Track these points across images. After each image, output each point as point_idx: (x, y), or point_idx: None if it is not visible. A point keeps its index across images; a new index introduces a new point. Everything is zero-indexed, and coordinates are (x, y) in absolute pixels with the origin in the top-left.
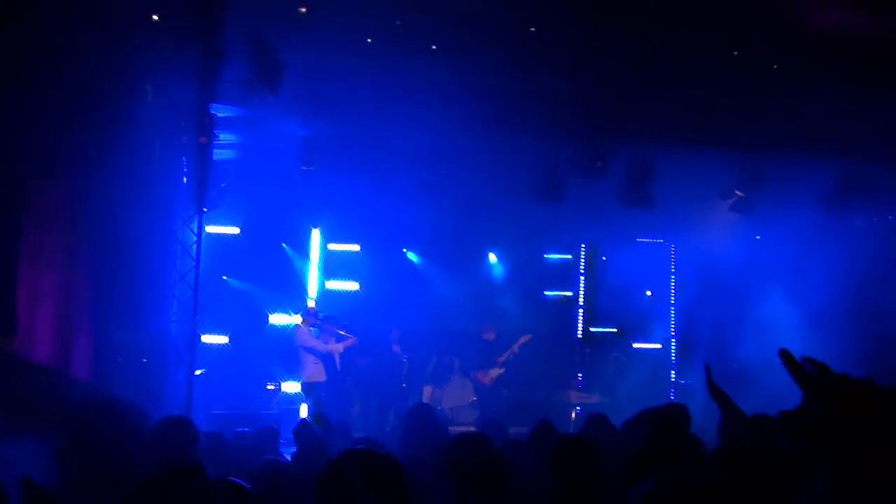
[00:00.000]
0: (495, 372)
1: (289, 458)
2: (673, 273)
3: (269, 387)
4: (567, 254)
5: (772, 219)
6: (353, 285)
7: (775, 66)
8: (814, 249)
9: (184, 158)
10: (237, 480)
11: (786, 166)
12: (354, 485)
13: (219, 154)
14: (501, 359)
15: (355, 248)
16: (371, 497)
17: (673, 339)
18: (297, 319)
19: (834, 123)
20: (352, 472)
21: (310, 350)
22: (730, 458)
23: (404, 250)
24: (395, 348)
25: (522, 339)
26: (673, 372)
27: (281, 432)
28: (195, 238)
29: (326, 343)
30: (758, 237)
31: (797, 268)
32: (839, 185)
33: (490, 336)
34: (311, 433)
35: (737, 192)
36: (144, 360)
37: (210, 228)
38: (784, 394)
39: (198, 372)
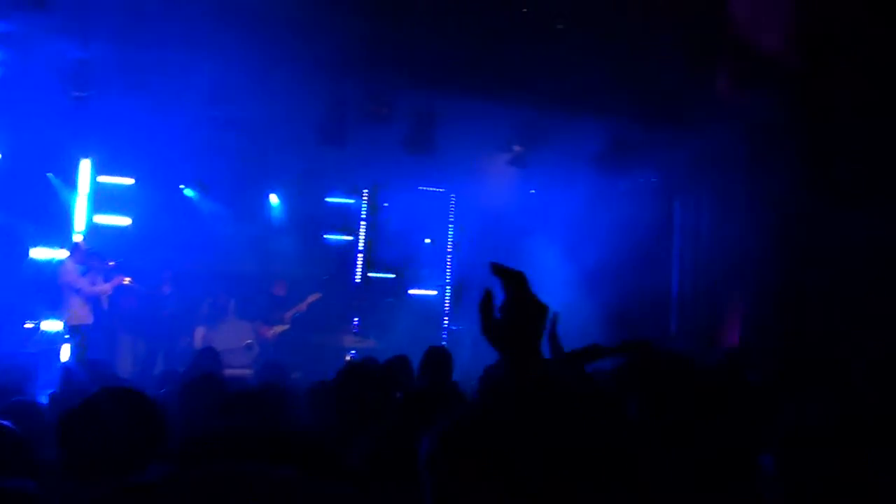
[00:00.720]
0: (280, 328)
1: (44, 400)
2: (451, 222)
3: (27, 325)
4: (349, 198)
5: (546, 175)
6: (124, 220)
7: (560, 26)
8: (583, 207)
9: None
10: None
11: (561, 126)
12: (107, 419)
13: None
14: (288, 315)
15: (129, 181)
16: (123, 433)
17: (448, 287)
18: (62, 255)
19: (606, 87)
20: (106, 407)
21: (76, 290)
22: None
23: (182, 186)
24: (166, 289)
25: (311, 298)
26: (446, 318)
27: (38, 374)
28: None
29: (94, 283)
30: (532, 191)
31: (567, 224)
32: (608, 147)
33: (281, 291)
34: (73, 376)
35: (515, 146)
36: None
37: None
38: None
39: None
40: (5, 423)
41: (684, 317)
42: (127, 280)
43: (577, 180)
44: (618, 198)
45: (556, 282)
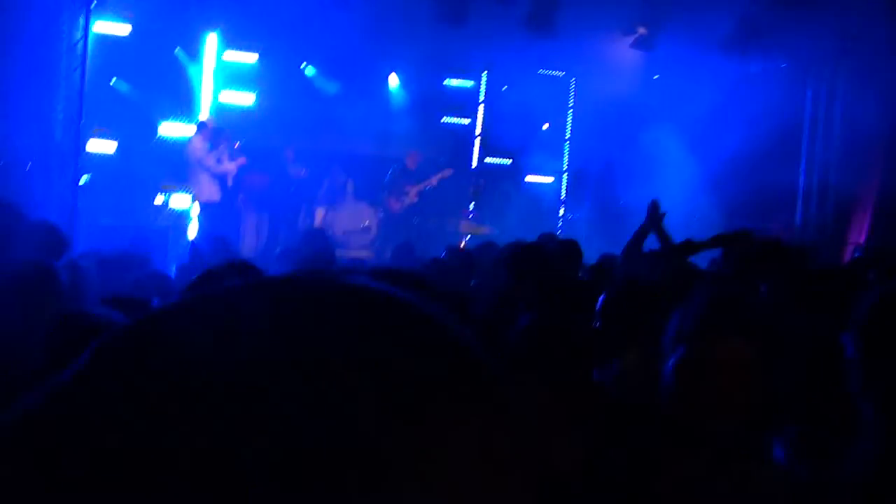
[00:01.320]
0: (408, 200)
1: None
2: (571, 108)
3: (157, 201)
4: (467, 79)
5: (672, 60)
6: (248, 98)
7: None
8: (710, 94)
9: None
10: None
11: (688, 6)
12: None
13: None
14: (417, 188)
15: (253, 58)
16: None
17: (565, 174)
18: (190, 131)
19: None
20: (224, 277)
21: (205, 168)
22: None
23: (304, 65)
24: (291, 169)
25: (443, 174)
26: (562, 207)
27: (168, 247)
28: (81, 35)
29: (220, 161)
30: (656, 77)
31: (693, 112)
32: (737, 29)
33: (412, 164)
34: (200, 251)
35: (639, 28)
36: (28, 166)
37: (98, 26)
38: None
39: (82, 180)
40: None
41: (810, 211)
42: (244, 160)
43: (704, 65)
44: (747, 84)
45: (680, 173)
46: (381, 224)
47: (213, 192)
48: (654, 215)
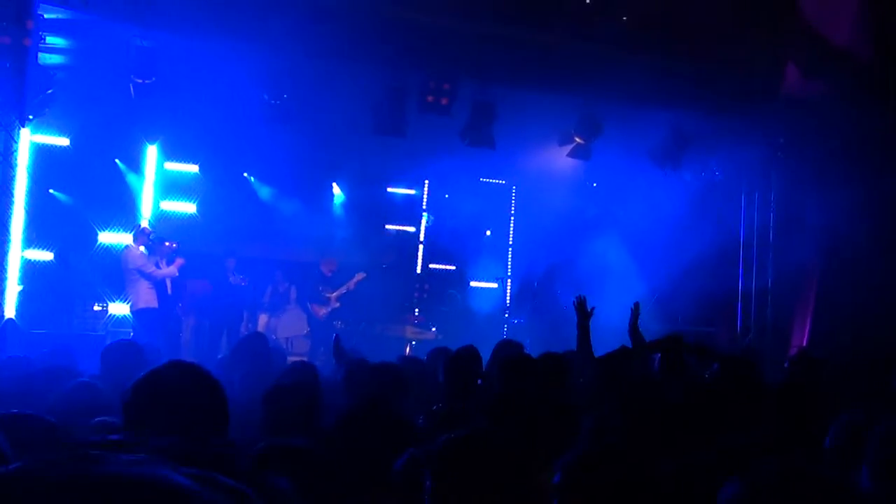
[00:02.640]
0: (331, 305)
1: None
2: (512, 214)
3: (96, 307)
4: (411, 188)
5: (609, 168)
6: (189, 207)
7: (624, 18)
8: (647, 201)
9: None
10: None
11: (624, 117)
12: (172, 391)
13: (46, 59)
14: (336, 294)
15: (194, 168)
16: (185, 403)
17: (509, 279)
18: (127, 239)
19: (667, 79)
20: (168, 379)
21: (145, 275)
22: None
23: (245, 174)
24: (232, 278)
25: (357, 277)
26: (507, 312)
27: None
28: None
29: (158, 266)
30: (594, 184)
31: (631, 218)
32: (670, 140)
33: (328, 270)
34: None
35: (576, 138)
36: None
37: (37, 138)
38: (600, 335)
39: (17, 289)
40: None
41: (751, 316)
42: (182, 261)
43: (641, 174)
44: (684, 192)
45: (622, 278)
46: (319, 329)
47: (150, 298)
48: (583, 311)
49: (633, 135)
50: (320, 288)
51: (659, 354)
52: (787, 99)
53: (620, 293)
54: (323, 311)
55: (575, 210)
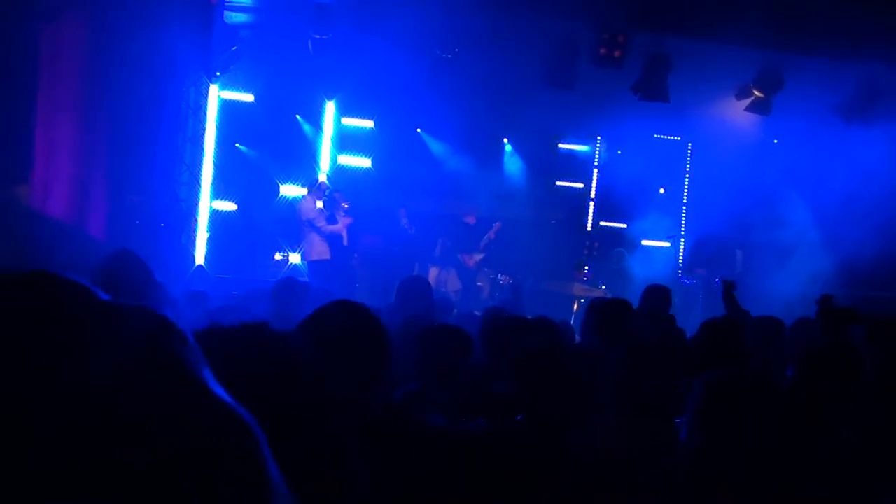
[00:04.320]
0: (478, 255)
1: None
2: (687, 172)
3: (277, 256)
4: (583, 144)
5: (789, 123)
6: (365, 161)
7: None
8: (830, 157)
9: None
10: None
11: (806, 70)
12: (337, 330)
13: (232, 17)
14: (482, 244)
15: (369, 123)
16: (347, 342)
17: (682, 238)
18: (303, 192)
19: (857, 29)
20: (333, 316)
21: (315, 227)
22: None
23: (419, 130)
24: (404, 222)
25: (496, 227)
26: (680, 271)
27: None
28: (206, 102)
29: (335, 219)
30: (775, 141)
31: (811, 175)
32: (858, 94)
33: (471, 220)
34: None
35: (755, 91)
36: (162, 224)
37: (224, 94)
38: (773, 302)
39: (205, 236)
40: None
41: None
42: (350, 220)
43: (825, 130)
44: (867, 149)
45: (798, 238)
46: (492, 285)
47: (322, 251)
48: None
49: (817, 88)
50: (468, 241)
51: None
52: None
53: (801, 256)
54: (472, 261)
55: (754, 168)
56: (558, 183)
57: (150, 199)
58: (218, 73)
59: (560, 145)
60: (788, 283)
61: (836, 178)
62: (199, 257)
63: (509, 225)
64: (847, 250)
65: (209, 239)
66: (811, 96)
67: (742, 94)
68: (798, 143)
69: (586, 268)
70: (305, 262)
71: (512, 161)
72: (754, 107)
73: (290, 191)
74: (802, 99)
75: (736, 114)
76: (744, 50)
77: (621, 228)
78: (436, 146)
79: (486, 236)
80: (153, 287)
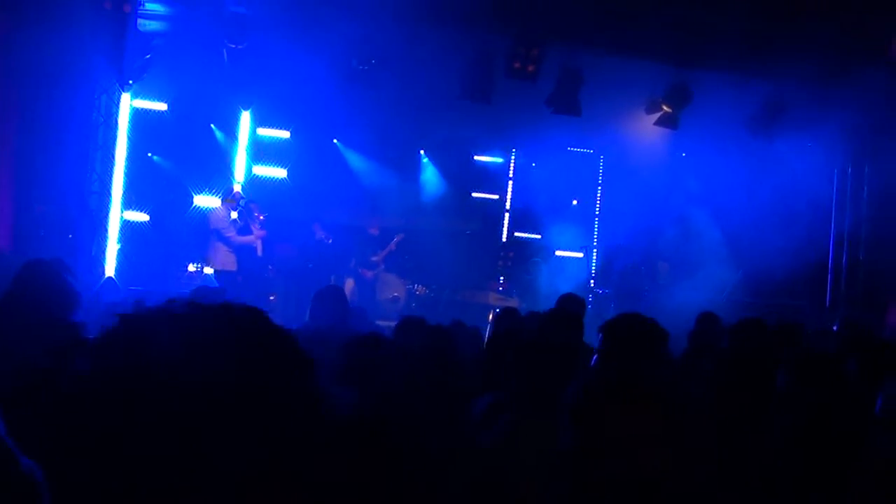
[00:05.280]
0: (378, 268)
1: None
2: (599, 184)
3: (190, 268)
4: (498, 157)
5: (697, 137)
6: (281, 172)
7: None
8: (737, 172)
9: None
10: None
11: (714, 85)
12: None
13: (146, 25)
14: (379, 258)
15: (285, 134)
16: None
17: (595, 249)
18: (216, 202)
19: (765, 44)
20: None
21: (222, 238)
22: None
23: (335, 141)
24: (320, 235)
25: (397, 238)
26: (592, 281)
27: None
28: (118, 110)
29: (248, 230)
30: (683, 154)
31: (719, 188)
32: (765, 108)
33: (374, 231)
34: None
35: (664, 106)
36: (70, 235)
37: (137, 103)
38: (682, 314)
39: (116, 248)
40: None
41: (840, 290)
42: (263, 233)
43: (731, 144)
44: (774, 162)
45: (706, 249)
46: (409, 295)
47: (227, 261)
48: None
49: (724, 103)
50: (368, 252)
51: None
52: (888, 66)
53: (708, 265)
54: (371, 274)
55: (664, 181)
56: (474, 194)
57: (58, 208)
58: (131, 82)
59: (476, 157)
60: (696, 294)
61: (742, 190)
62: (110, 269)
63: (425, 235)
64: (754, 261)
65: (120, 250)
66: (719, 111)
67: (651, 108)
68: (705, 157)
69: (501, 278)
70: (214, 272)
71: (428, 172)
72: (663, 121)
73: (204, 201)
74: (710, 113)
75: (646, 128)
76: (654, 65)
77: (535, 239)
78: (352, 157)
79: (385, 249)
80: (70, 296)
